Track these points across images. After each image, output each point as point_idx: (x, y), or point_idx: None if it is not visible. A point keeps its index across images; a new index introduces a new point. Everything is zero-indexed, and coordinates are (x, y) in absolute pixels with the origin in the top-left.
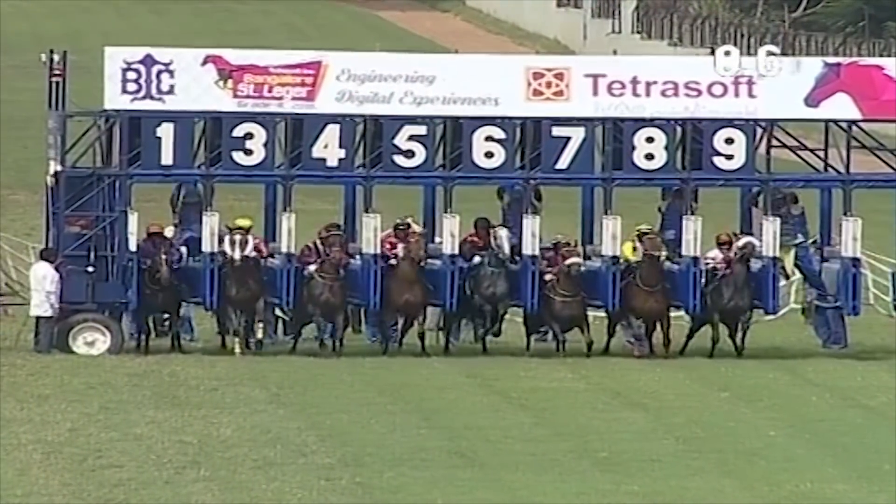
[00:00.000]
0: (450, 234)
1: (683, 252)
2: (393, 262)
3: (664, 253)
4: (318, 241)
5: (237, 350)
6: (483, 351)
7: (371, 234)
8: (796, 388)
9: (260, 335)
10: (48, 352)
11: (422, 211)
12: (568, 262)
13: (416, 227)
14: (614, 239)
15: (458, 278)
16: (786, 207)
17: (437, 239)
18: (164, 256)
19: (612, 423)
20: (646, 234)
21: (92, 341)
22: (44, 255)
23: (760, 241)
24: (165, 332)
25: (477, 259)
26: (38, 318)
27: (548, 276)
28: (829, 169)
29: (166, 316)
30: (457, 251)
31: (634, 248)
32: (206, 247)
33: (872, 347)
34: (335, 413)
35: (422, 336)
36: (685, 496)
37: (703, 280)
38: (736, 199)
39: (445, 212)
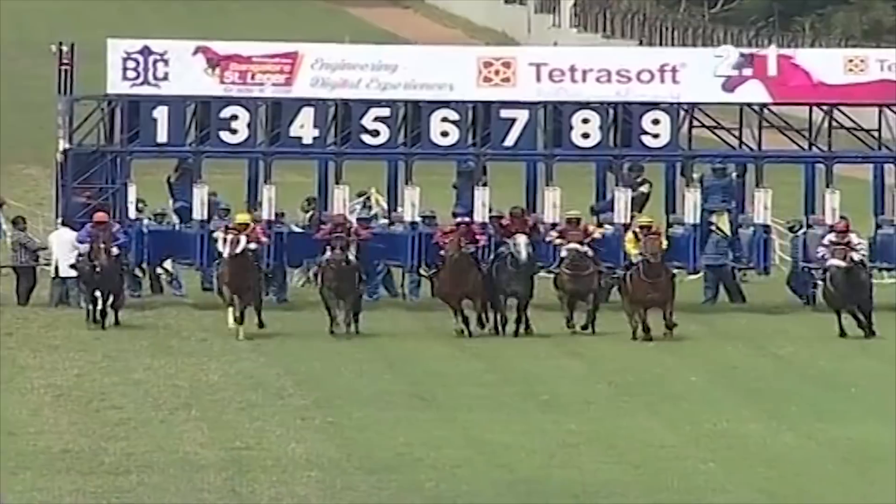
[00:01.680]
0: (410, 203)
1: (616, 220)
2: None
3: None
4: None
5: (240, 336)
6: (526, 331)
7: (409, 204)
8: (714, 339)
9: (261, 319)
10: (79, 306)
11: (385, 183)
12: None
13: (380, 198)
14: (554, 207)
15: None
16: (719, 178)
17: (399, 208)
18: (102, 245)
19: (553, 370)
20: (646, 229)
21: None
22: (66, 222)
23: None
24: (160, 289)
25: (502, 249)
26: (58, 278)
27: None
28: (744, 146)
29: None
30: (417, 218)
31: (638, 240)
32: (196, 214)
33: (780, 303)
34: (309, 361)
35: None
36: (617, 434)
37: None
38: (661, 173)
39: (406, 184)
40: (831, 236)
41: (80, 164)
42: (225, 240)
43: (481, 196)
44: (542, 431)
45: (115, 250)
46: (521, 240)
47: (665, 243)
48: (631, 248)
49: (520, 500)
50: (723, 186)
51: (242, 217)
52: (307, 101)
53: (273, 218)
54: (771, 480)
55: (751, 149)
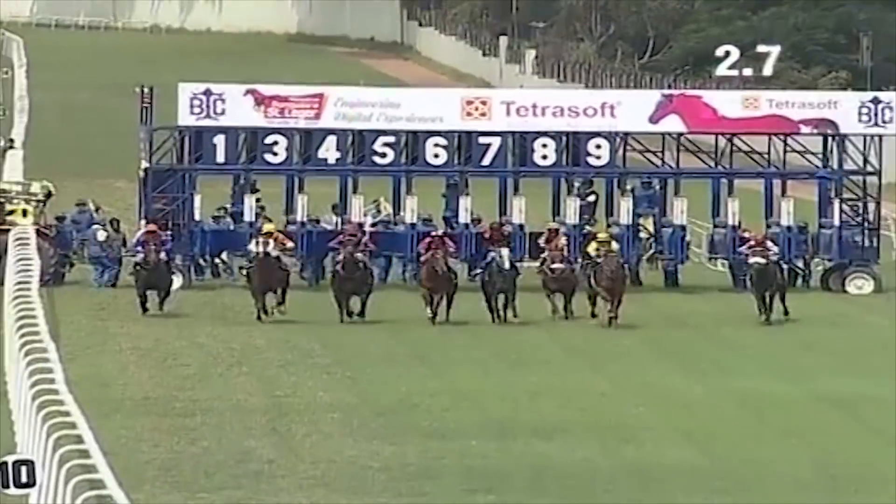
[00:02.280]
0: (410, 209)
1: (567, 221)
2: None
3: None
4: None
5: (263, 318)
6: (514, 315)
7: (410, 210)
8: (644, 312)
9: (283, 309)
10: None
11: (391, 193)
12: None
13: (387, 205)
14: (520, 212)
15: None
16: (646, 189)
17: (401, 213)
18: (153, 246)
19: (520, 338)
20: (604, 243)
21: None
22: (149, 221)
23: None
24: (217, 275)
25: (491, 255)
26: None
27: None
28: (665, 165)
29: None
30: (415, 220)
31: (597, 248)
32: (247, 216)
33: (692, 285)
34: (333, 329)
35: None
36: (568, 385)
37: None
38: (602, 186)
39: (407, 194)
40: (752, 242)
41: (158, 179)
42: (257, 241)
43: (464, 203)
44: (511, 384)
45: (163, 255)
46: (505, 252)
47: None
48: (591, 250)
49: (494, 435)
50: (649, 196)
51: (268, 226)
52: (331, 131)
53: (307, 219)
54: (686, 420)
55: (671, 167)
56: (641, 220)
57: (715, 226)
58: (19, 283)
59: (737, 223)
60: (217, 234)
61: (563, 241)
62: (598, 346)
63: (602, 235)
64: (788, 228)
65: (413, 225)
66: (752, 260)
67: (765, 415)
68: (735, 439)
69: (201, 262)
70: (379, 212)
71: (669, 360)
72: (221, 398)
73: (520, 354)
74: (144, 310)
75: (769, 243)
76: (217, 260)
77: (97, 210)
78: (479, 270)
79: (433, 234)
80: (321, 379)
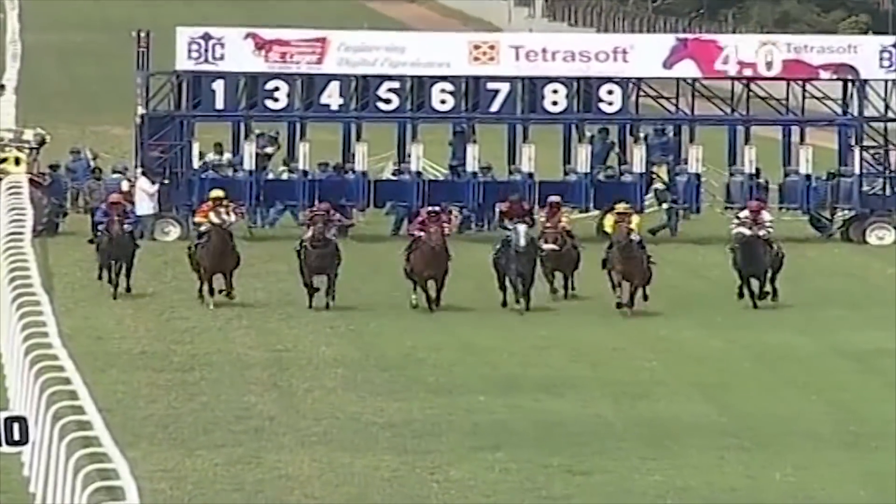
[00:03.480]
0: (416, 156)
1: (578, 170)
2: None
3: (635, 237)
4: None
5: (210, 306)
6: (526, 308)
7: (415, 157)
8: (658, 265)
9: (233, 294)
10: (150, 238)
11: (396, 140)
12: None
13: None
14: (530, 160)
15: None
16: (659, 137)
17: (407, 160)
18: (117, 218)
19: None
20: (623, 215)
21: (167, 231)
22: (144, 172)
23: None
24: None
25: (508, 233)
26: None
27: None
28: (680, 112)
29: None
30: (420, 168)
31: (615, 222)
32: (247, 164)
33: (708, 235)
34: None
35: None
36: (579, 339)
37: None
38: (614, 133)
39: (413, 141)
40: (745, 213)
41: (155, 125)
42: (217, 212)
43: (472, 151)
44: (520, 338)
45: (127, 226)
46: (521, 228)
47: (635, 225)
48: (609, 226)
49: (502, 391)
50: (662, 143)
51: (215, 193)
52: (334, 76)
53: (307, 167)
54: (701, 375)
55: (685, 114)
56: (655, 169)
57: (731, 174)
58: (12, 233)
59: (754, 171)
60: (217, 182)
61: (564, 218)
62: (611, 298)
63: (621, 206)
64: (807, 177)
65: (419, 174)
66: (735, 231)
67: (782, 369)
68: (752, 394)
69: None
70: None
71: (684, 313)
72: (221, 352)
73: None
74: (110, 281)
75: (765, 214)
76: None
77: (94, 158)
78: (493, 251)
79: (428, 209)
80: (324, 332)
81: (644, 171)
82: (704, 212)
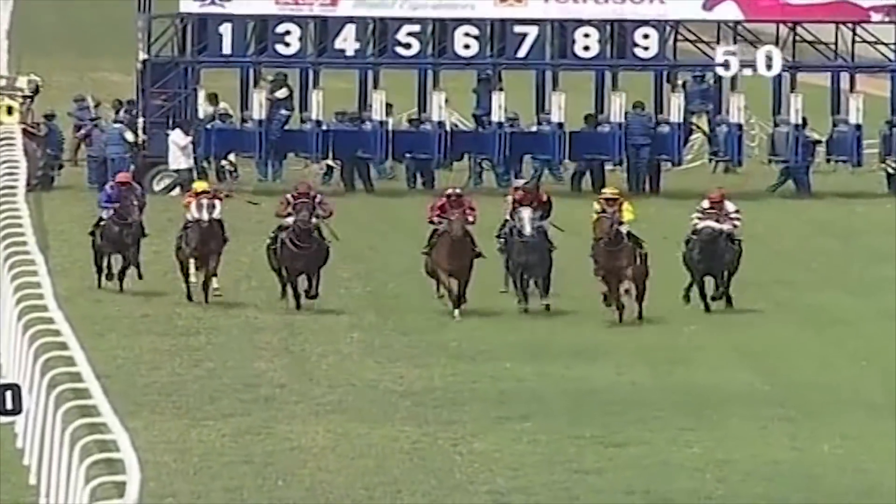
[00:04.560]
0: (437, 105)
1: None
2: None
3: (623, 228)
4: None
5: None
6: (525, 311)
7: (437, 106)
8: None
9: (216, 285)
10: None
11: (416, 88)
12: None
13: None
14: (560, 109)
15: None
16: (699, 84)
17: (429, 110)
18: (135, 202)
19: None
20: (611, 201)
21: (170, 185)
22: (178, 124)
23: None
24: (223, 178)
25: (512, 224)
26: (177, 170)
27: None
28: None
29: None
30: (443, 118)
31: (603, 212)
32: (256, 115)
33: (752, 190)
34: (352, 238)
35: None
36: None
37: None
38: (650, 80)
39: (434, 89)
40: (705, 204)
41: (157, 72)
42: (200, 204)
43: (498, 100)
44: (549, 300)
45: (137, 215)
46: (525, 213)
47: (626, 213)
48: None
49: (530, 357)
50: (702, 91)
51: (200, 185)
52: (350, 19)
53: (321, 118)
54: (743, 340)
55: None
56: (694, 119)
57: (776, 125)
58: (4, 187)
59: (800, 122)
60: (224, 133)
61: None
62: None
63: (608, 191)
64: (857, 127)
65: (440, 123)
66: (701, 225)
67: (830, 333)
68: (797, 361)
69: (205, 164)
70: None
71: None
72: (228, 315)
73: (558, 268)
74: (109, 276)
75: (729, 204)
76: (223, 162)
77: (97, 106)
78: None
79: (448, 192)
80: (338, 294)
81: (682, 121)
82: (747, 165)
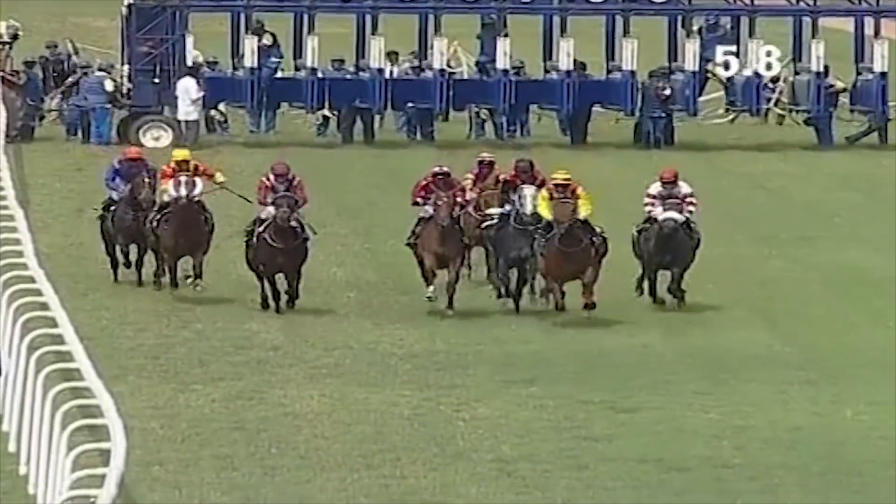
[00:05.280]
0: (439, 52)
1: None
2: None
3: (581, 213)
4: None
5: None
6: (517, 311)
7: (438, 53)
8: (711, 173)
9: (201, 284)
10: (191, 146)
11: (416, 34)
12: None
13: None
14: (568, 56)
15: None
16: (713, 30)
17: (429, 57)
18: (147, 179)
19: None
20: (561, 187)
21: (158, 136)
22: (188, 72)
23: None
24: (213, 129)
25: (495, 212)
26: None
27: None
28: (738, 1)
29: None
30: (444, 66)
31: (552, 199)
32: (247, 62)
33: (770, 142)
34: (347, 193)
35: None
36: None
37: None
38: (664, 26)
39: (436, 35)
40: (657, 186)
41: (143, 17)
42: (178, 182)
43: (503, 46)
44: None
45: (149, 194)
46: (528, 191)
47: (583, 205)
48: (544, 209)
49: (537, 317)
50: (718, 38)
51: (180, 153)
52: None
53: (317, 66)
54: (762, 300)
55: (744, 4)
56: (710, 67)
57: (796, 73)
58: None
59: (821, 69)
60: (214, 82)
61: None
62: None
63: (560, 175)
64: (882, 75)
65: (442, 71)
66: (662, 216)
67: (854, 293)
68: (819, 322)
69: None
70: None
71: (742, 228)
72: (218, 273)
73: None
74: (128, 266)
75: (683, 186)
76: (213, 112)
77: (76, 52)
78: (491, 220)
79: (434, 171)
80: (335, 251)
81: (697, 69)
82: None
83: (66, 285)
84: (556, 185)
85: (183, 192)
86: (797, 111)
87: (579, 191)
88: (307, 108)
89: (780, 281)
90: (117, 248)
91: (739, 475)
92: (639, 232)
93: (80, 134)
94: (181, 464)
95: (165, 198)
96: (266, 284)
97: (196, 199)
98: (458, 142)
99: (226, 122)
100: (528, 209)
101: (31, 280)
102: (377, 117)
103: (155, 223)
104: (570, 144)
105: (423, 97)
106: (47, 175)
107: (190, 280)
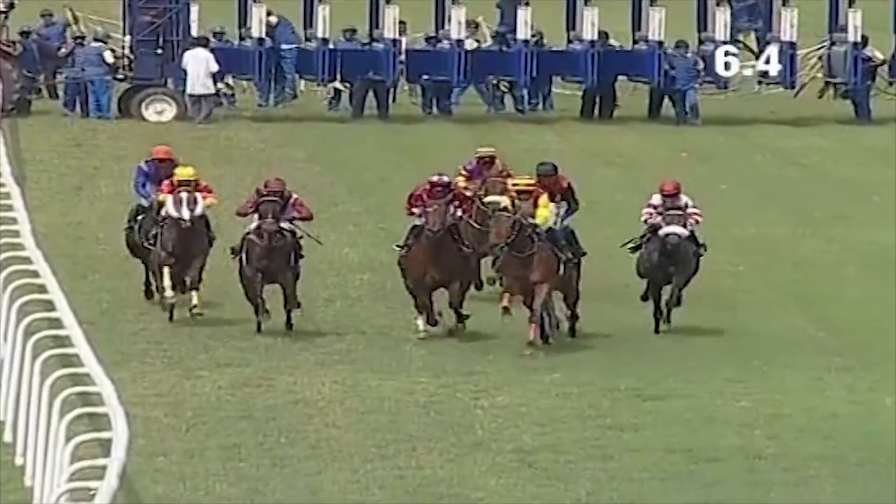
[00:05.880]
0: (457, 21)
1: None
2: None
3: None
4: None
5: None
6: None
7: (455, 23)
8: (743, 149)
9: (196, 301)
10: (208, 121)
11: (433, 3)
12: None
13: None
14: (593, 25)
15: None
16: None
17: (447, 26)
18: (184, 195)
19: (590, 178)
20: (524, 193)
21: (161, 110)
22: (198, 42)
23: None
24: (220, 104)
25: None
26: (192, 96)
27: None
28: None
29: None
30: (462, 36)
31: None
32: (255, 32)
33: (806, 115)
34: (362, 169)
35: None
36: None
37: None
38: None
39: (453, 3)
40: (657, 198)
41: None
42: (179, 200)
43: (524, 15)
44: (580, 235)
45: (197, 209)
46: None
47: (540, 213)
48: (543, 216)
49: (559, 299)
50: (750, 6)
51: (184, 171)
52: None
53: (328, 36)
54: (796, 282)
55: None
56: (741, 36)
57: (832, 43)
58: None
59: (859, 40)
60: (220, 53)
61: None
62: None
63: (523, 181)
64: None
65: (459, 42)
66: (664, 231)
67: (892, 274)
68: (857, 305)
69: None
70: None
71: (774, 206)
72: (224, 253)
73: (589, 198)
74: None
75: (684, 198)
76: (219, 84)
77: (76, 21)
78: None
79: (432, 180)
80: (347, 230)
81: (728, 39)
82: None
83: (64, 266)
84: (519, 192)
85: (185, 212)
86: (833, 84)
87: (542, 199)
88: (318, 80)
89: (815, 262)
90: (155, 268)
91: (772, 466)
92: (638, 247)
93: (77, 107)
94: (186, 454)
95: (163, 213)
96: (259, 301)
97: (199, 216)
98: (476, 116)
99: (233, 95)
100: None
101: (28, 261)
102: (391, 90)
103: (151, 238)
104: (594, 118)
105: (440, 69)
106: (45, 151)
107: (191, 307)
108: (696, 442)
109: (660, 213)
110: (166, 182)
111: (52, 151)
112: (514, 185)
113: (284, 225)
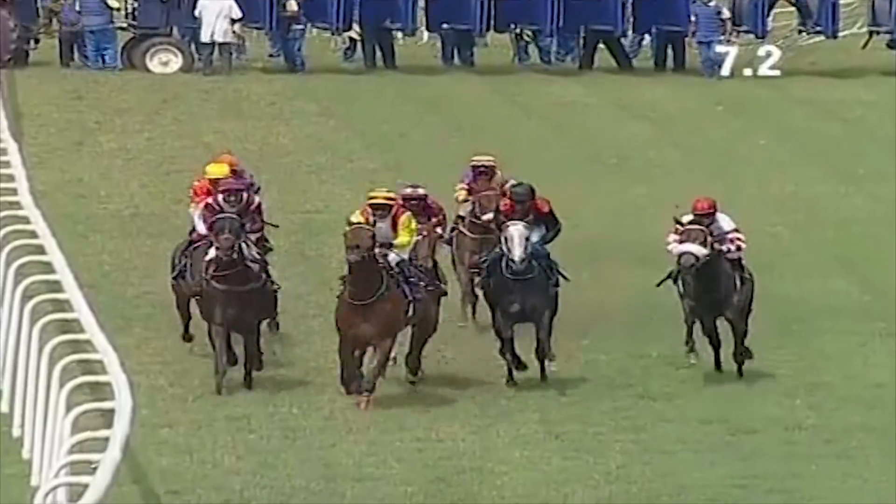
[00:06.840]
0: None
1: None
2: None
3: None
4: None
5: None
6: (542, 378)
7: None
8: (783, 102)
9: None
10: (228, 73)
11: None
12: None
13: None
14: None
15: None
16: None
17: None
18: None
19: (620, 133)
20: (377, 209)
21: (166, 61)
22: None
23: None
24: (230, 54)
25: (496, 251)
26: (205, 44)
27: None
28: None
29: None
30: None
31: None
32: None
33: (849, 66)
34: (379, 123)
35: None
36: (682, 197)
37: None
38: None
39: None
40: (688, 217)
41: None
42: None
43: None
44: (610, 193)
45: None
46: (515, 231)
47: (401, 233)
48: (404, 236)
49: (587, 260)
50: None
51: (218, 169)
52: None
53: None
54: (839, 244)
55: None
56: None
57: None
58: None
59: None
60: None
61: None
62: (722, 144)
63: (381, 195)
64: None
65: None
66: (678, 250)
67: None
68: None
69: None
70: None
71: (816, 162)
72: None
73: (620, 155)
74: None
75: (722, 220)
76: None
77: None
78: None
79: (405, 193)
80: (363, 189)
81: None
82: (843, 37)
83: (64, 226)
84: (374, 207)
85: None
86: (878, 33)
87: (402, 218)
88: (332, 29)
89: (858, 222)
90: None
91: (813, 437)
92: (677, 277)
93: (75, 57)
94: (193, 425)
95: (194, 235)
96: (219, 348)
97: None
98: (500, 67)
99: (242, 44)
100: (518, 255)
101: (27, 220)
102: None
103: (178, 263)
104: (624, 70)
105: (461, 17)
106: (43, 104)
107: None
108: (733, 412)
109: (683, 230)
110: (198, 183)
111: (52, 104)
112: (371, 198)
113: (251, 255)
